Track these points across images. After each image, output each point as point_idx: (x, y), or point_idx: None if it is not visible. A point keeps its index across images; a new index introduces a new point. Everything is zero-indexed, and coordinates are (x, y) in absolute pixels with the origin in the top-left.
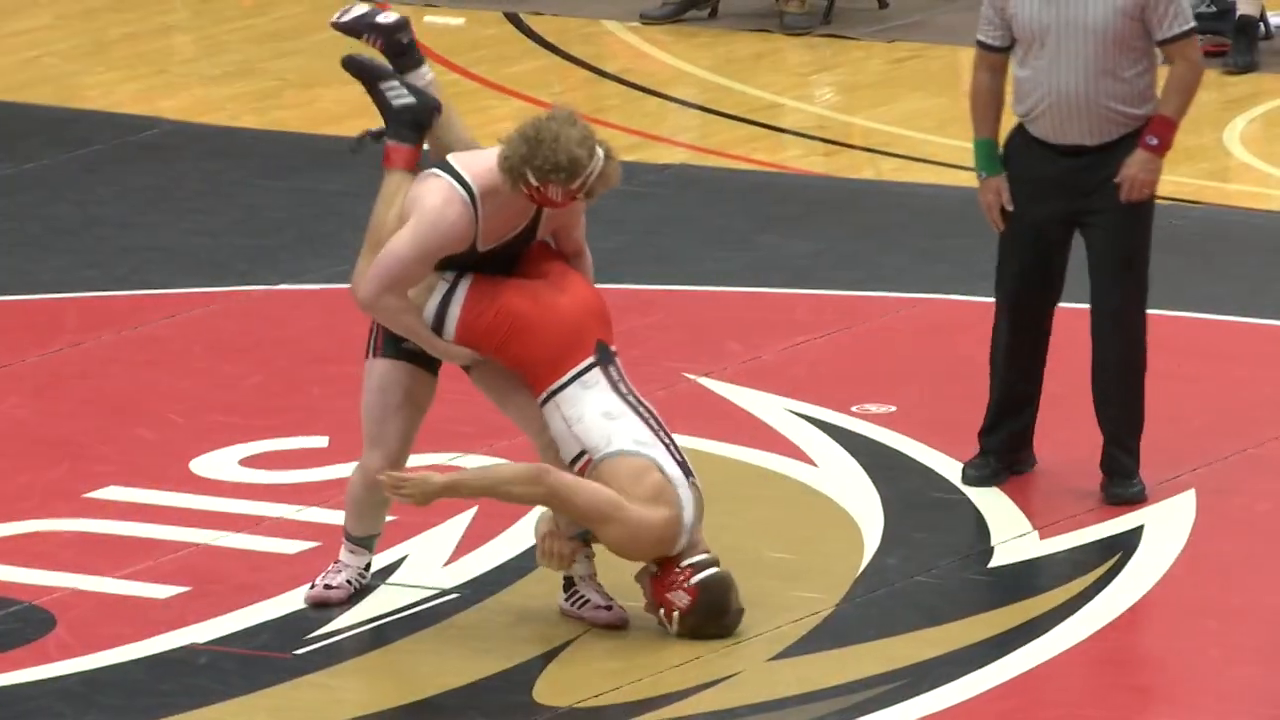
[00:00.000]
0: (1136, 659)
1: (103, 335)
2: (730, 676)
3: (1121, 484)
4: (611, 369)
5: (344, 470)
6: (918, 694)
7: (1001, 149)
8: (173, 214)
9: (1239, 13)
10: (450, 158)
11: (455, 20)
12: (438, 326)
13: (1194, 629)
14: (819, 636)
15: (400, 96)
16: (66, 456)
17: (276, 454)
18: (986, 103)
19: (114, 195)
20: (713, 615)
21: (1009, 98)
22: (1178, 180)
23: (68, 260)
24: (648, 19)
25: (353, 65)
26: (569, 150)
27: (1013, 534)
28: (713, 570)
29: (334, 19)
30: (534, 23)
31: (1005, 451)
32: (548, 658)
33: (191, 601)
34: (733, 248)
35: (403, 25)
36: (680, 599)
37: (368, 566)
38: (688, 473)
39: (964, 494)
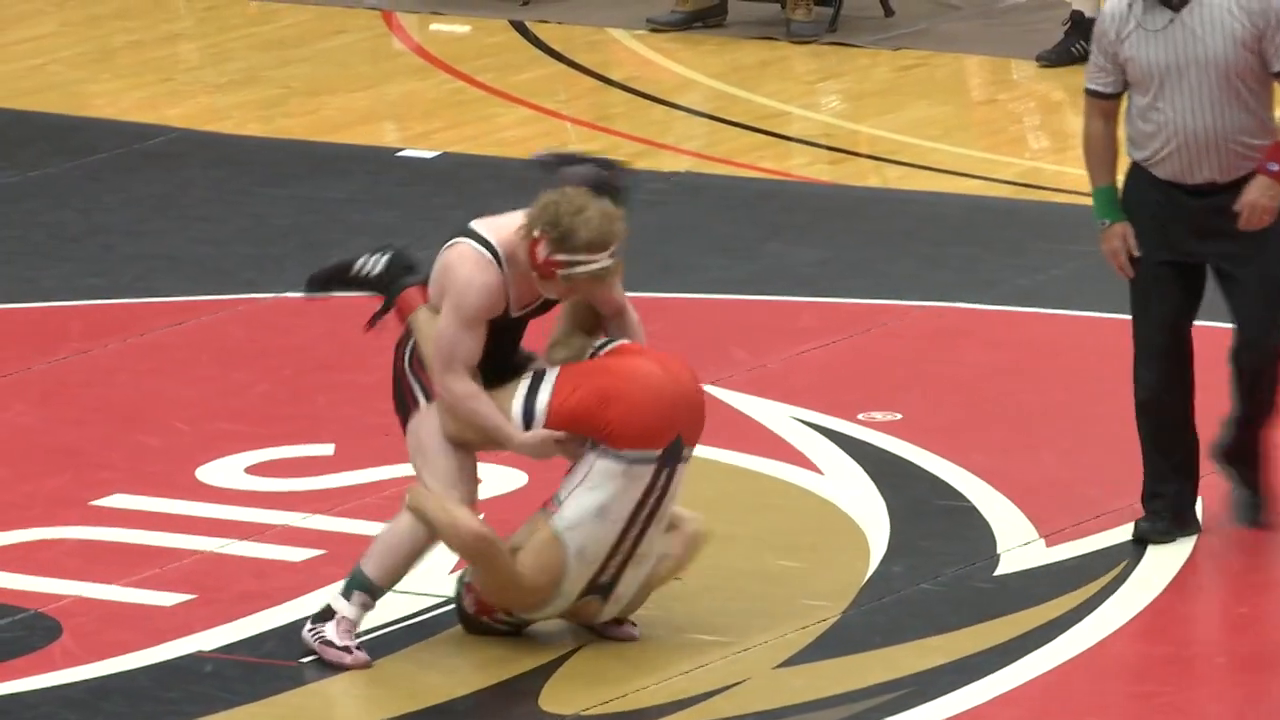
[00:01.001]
0: (1142, 667)
1: (108, 343)
2: (737, 684)
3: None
4: (664, 475)
5: (350, 478)
6: (924, 702)
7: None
8: (178, 222)
9: None
10: (475, 224)
11: (461, 28)
12: (528, 419)
13: (1200, 637)
14: (825, 644)
15: (374, 266)
16: (72, 464)
17: (282, 462)
18: (1103, 150)
19: (119, 203)
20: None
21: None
22: None
23: (73, 268)
24: (655, 25)
25: (317, 285)
26: (573, 219)
27: (1019, 542)
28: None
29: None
30: (540, 31)
31: (1183, 503)
32: (554, 665)
33: (197, 609)
34: (739, 256)
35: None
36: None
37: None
38: (601, 594)
39: (970, 502)
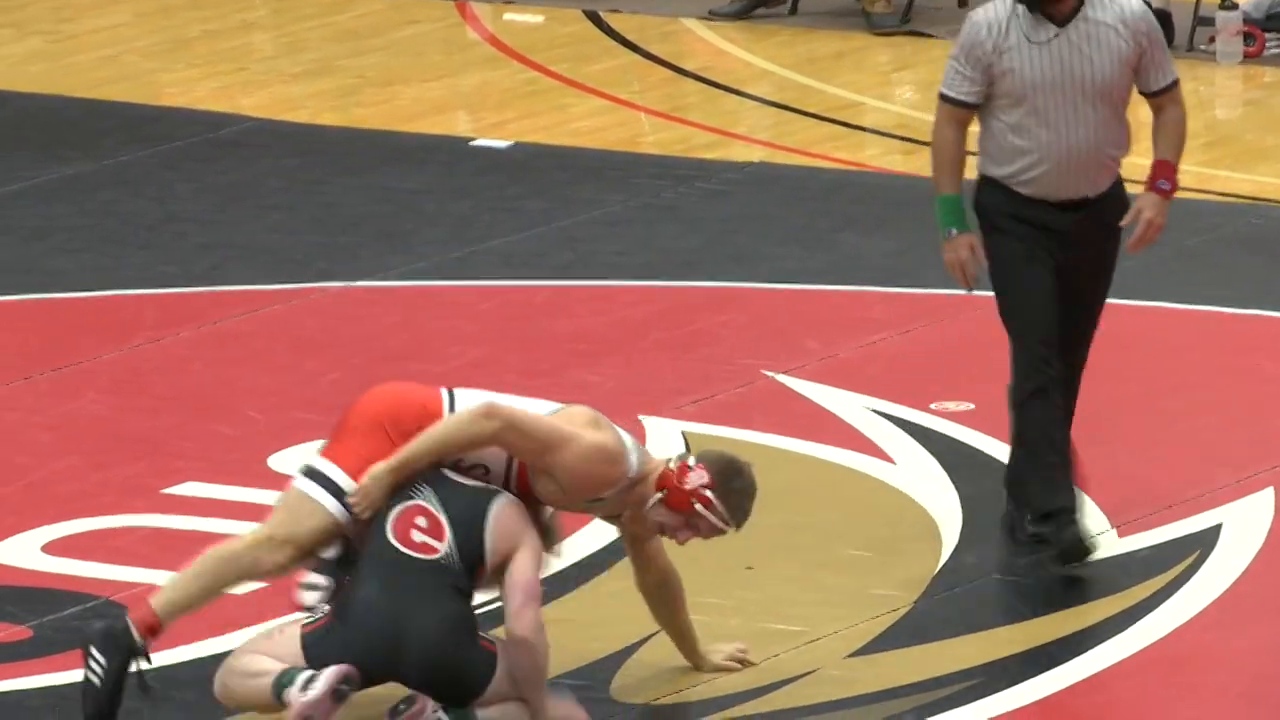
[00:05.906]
0: (1215, 658)
1: (181, 331)
2: (808, 673)
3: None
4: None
5: None
6: (995, 692)
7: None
8: (252, 211)
9: None
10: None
11: (534, 18)
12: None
13: (1273, 627)
14: (897, 634)
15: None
16: (145, 452)
17: None
18: (953, 158)
19: (193, 192)
20: (732, 473)
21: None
22: (1257, 180)
23: (147, 257)
24: (716, 16)
25: None
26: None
27: (1091, 532)
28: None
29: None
30: (613, 20)
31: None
32: (625, 654)
33: (269, 598)
34: (811, 246)
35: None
36: (699, 478)
37: None
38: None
39: None
